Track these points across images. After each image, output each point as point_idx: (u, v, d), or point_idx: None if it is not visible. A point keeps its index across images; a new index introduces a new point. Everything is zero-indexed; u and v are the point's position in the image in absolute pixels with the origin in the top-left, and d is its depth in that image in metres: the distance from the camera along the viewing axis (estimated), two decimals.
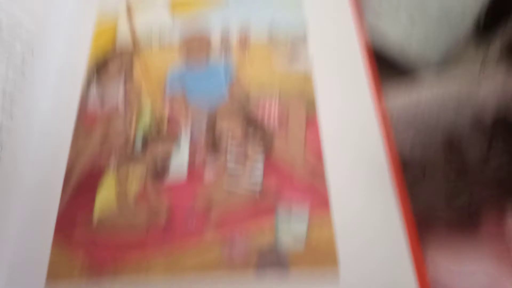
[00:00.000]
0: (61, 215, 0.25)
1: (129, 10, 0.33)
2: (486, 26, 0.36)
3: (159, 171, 0.26)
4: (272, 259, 0.22)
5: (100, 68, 0.30)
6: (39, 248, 0.24)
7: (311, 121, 0.27)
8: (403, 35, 0.32)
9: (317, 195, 0.24)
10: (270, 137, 0.26)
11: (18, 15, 0.28)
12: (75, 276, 0.23)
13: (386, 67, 0.33)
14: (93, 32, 0.32)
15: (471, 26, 0.35)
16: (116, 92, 0.29)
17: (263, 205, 0.24)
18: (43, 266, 0.23)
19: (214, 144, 0.26)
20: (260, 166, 0.25)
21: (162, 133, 0.27)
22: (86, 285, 0.23)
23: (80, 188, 0.26)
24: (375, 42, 0.32)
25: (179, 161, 0.26)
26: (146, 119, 0.28)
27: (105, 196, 0.25)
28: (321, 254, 0.22)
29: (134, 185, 0.25)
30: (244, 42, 0.30)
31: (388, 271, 0.22)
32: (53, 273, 0.23)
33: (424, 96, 0.28)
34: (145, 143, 0.27)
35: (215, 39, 0.31)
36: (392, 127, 0.27)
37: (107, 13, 0.33)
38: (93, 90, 0.29)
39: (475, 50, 0.36)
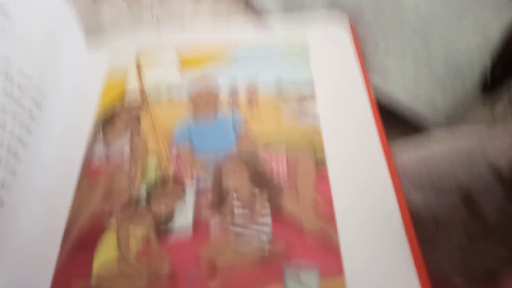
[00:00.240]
0: (58, 275, 0.23)
1: (138, 66, 0.33)
2: (494, 81, 0.36)
3: (163, 228, 0.25)
4: None
5: (107, 123, 0.30)
6: None
7: (320, 175, 0.26)
8: (410, 90, 0.32)
9: (328, 255, 0.22)
10: (279, 192, 0.25)
11: (29, 72, 0.28)
12: None
13: (395, 122, 0.32)
14: (102, 87, 0.32)
15: (479, 81, 0.34)
16: (122, 146, 0.29)
17: (272, 266, 0.22)
18: None
19: (220, 199, 0.25)
20: (268, 222, 0.24)
21: (167, 187, 0.26)
22: None
23: (79, 245, 0.24)
24: (383, 98, 0.32)
25: (184, 217, 0.25)
26: (151, 173, 0.27)
27: (105, 254, 0.24)
28: None
29: (135, 243, 0.24)
30: (252, 97, 0.30)
31: None
32: None
33: (436, 151, 0.27)
34: (149, 198, 0.26)
35: (223, 93, 0.31)
36: (404, 182, 0.25)
37: (117, 68, 0.34)
38: (99, 145, 0.29)
39: (483, 105, 0.35)
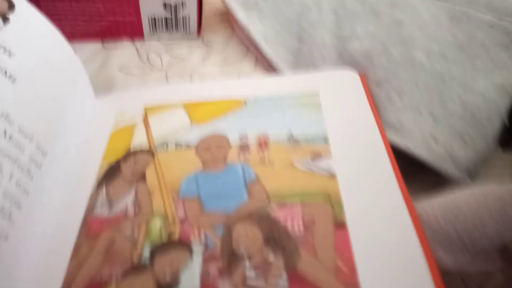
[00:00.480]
0: None
1: (145, 120, 0.32)
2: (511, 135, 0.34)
3: (168, 286, 0.22)
4: None
5: (112, 170, 0.29)
6: None
7: (339, 226, 0.23)
8: (429, 146, 0.30)
9: None
10: (295, 251, 0.23)
11: (29, 128, 0.27)
12: None
13: (416, 173, 0.30)
14: (108, 140, 0.31)
15: (498, 132, 0.33)
16: (125, 203, 0.27)
17: None
18: None
19: (231, 265, 0.23)
20: (284, 278, 0.21)
21: (173, 240, 0.24)
22: None
23: None
24: (400, 144, 0.30)
25: (191, 274, 0.23)
26: (156, 231, 0.25)
27: None
28: None
29: None
30: (263, 143, 0.29)
31: None
32: None
33: (462, 205, 0.25)
34: (154, 252, 0.24)
35: (233, 147, 0.29)
36: (430, 237, 0.23)
37: (124, 120, 0.32)
38: (103, 193, 0.27)
39: (502, 162, 0.34)
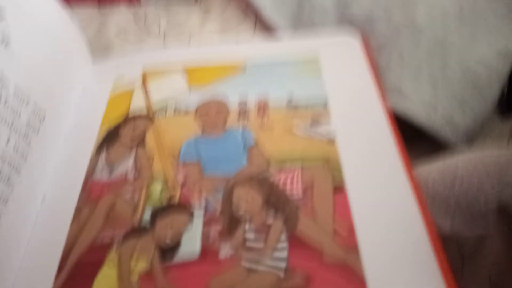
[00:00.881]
0: None
1: (144, 83, 0.32)
2: (510, 100, 0.34)
3: (169, 248, 0.23)
4: None
5: (111, 135, 0.29)
6: None
7: (338, 190, 0.24)
8: (428, 109, 0.30)
9: (351, 276, 0.20)
10: (295, 213, 0.23)
11: (26, 89, 0.27)
12: None
13: (415, 138, 0.30)
14: (107, 104, 0.31)
15: (497, 97, 0.33)
16: (126, 166, 0.27)
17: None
18: None
19: (231, 227, 0.23)
20: (284, 257, 0.22)
21: (174, 204, 0.24)
22: None
23: (79, 267, 0.22)
24: (399, 109, 0.30)
25: (192, 236, 0.23)
26: (157, 187, 0.25)
27: (106, 277, 0.22)
28: None
29: (139, 264, 0.22)
30: (262, 108, 0.29)
31: None
32: None
33: (460, 166, 0.25)
34: (155, 214, 0.24)
35: (232, 105, 0.29)
36: (429, 205, 0.23)
37: (122, 85, 0.32)
38: (103, 158, 0.27)
39: (500, 126, 0.34)
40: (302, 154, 0.26)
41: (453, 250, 0.30)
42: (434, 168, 0.26)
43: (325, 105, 0.28)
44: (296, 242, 0.22)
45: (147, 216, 0.24)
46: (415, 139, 0.29)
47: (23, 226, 0.24)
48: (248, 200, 0.24)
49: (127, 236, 0.23)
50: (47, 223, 0.25)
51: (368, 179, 0.24)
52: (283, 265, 0.21)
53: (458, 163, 0.25)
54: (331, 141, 0.26)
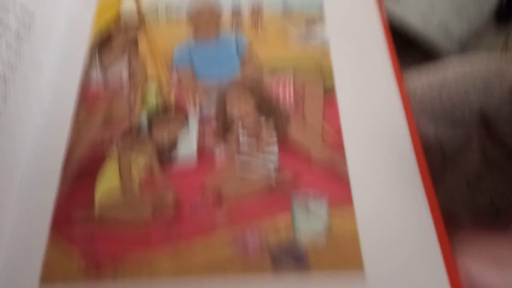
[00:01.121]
0: (58, 208, 0.22)
1: None
2: (509, 7, 0.33)
3: (166, 156, 0.24)
4: (290, 257, 0.20)
5: (102, 47, 0.28)
6: (33, 246, 0.21)
7: (329, 100, 0.24)
8: (424, 15, 0.30)
9: (337, 184, 0.22)
10: (286, 120, 0.24)
11: None
12: (71, 278, 0.21)
13: (408, 49, 0.30)
14: (96, 8, 0.30)
15: (494, 8, 0.32)
16: (119, 70, 0.27)
17: (279, 195, 0.22)
18: (36, 267, 0.21)
19: (225, 127, 0.24)
20: (275, 151, 0.23)
21: (169, 113, 0.25)
22: (82, 285, 0.21)
23: (79, 175, 0.23)
24: (394, 22, 0.30)
25: (187, 146, 0.24)
26: (151, 98, 0.26)
27: (107, 183, 0.23)
28: (344, 251, 0.20)
29: (138, 172, 0.23)
30: (256, 16, 0.28)
31: (417, 266, 0.20)
32: (47, 275, 0.21)
33: (450, 76, 0.25)
34: (151, 124, 0.25)
35: (226, 12, 0.28)
36: (415, 111, 0.24)
37: None
38: (96, 69, 0.27)
39: (496, 33, 0.33)
40: (295, 61, 0.26)
41: (436, 156, 0.32)
42: (424, 78, 0.26)
43: (320, 10, 0.28)
44: (285, 146, 0.23)
45: (144, 119, 0.25)
46: (408, 49, 0.29)
47: (24, 126, 0.25)
48: (240, 104, 0.25)
49: (125, 134, 0.24)
50: (48, 120, 0.25)
51: (358, 85, 0.25)
52: (274, 158, 0.23)
53: (447, 74, 0.25)
54: (324, 48, 0.26)
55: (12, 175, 0.24)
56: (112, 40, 0.28)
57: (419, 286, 0.19)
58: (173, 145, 0.24)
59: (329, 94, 0.24)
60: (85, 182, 0.23)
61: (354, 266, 0.19)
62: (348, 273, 0.19)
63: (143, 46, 0.28)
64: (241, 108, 0.24)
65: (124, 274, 0.20)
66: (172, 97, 0.25)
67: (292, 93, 0.25)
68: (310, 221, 0.21)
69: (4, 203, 0.22)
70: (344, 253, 0.20)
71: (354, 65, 0.25)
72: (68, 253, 0.21)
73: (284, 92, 0.25)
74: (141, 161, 0.23)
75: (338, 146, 0.23)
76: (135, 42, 0.28)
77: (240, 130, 0.24)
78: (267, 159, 0.23)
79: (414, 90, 0.25)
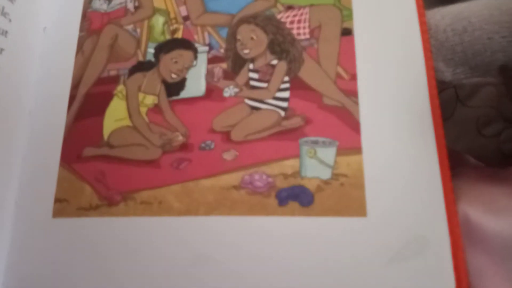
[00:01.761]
0: (67, 144, 0.23)
1: None
2: None
3: (174, 84, 0.23)
4: (296, 200, 0.21)
5: None
6: (44, 181, 0.22)
7: (346, 32, 0.23)
8: None
9: (347, 132, 0.21)
10: (299, 61, 0.23)
11: None
12: (83, 213, 0.22)
13: None
14: None
15: None
16: (124, 2, 0.25)
17: (287, 141, 0.22)
18: (49, 202, 0.22)
19: (235, 68, 0.23)
20: (286, 97, 0.22)
21: (177, 38, 0.24)
22: (93, 219, 0.22)
23: (89, 98, 0.23)
24: None
25: (196, 72, 0.23)
26: (159, 20, 0.24)
27: (115, 123, 0.23)
28: (349, 198, 0.20)
29: (146, 99, 0.23)
30: None
31: (418, 214, 0.20)
32: (60, 209, 0.22)
33: (473, 19, 0.24)
34: (159, 49, 0.24)
35: None
36: (435, 55, 0.23)
37: None
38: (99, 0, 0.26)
39: None
40: None
41: (450, 93, 0.31)
42: (448, 12, 0.24)
43: None
44: (297, 83, 0.22)
45: (151, 50, 0.24)
46: None
47: (28, 58, 0.24)
48: (253, 38, 0.23)
49: (133, 70, 0.24)
50: (51, 54, 0.25)
51: (377, 23, 0.23)
52: (284, 104, 0.22)
53: (472, 17, 0.24)
54: None
55: (19, 112, 0.23)
56: None
57: (419, 231, 0.20)
58: (181, 84, 0.23)
59: (346, 30, 0.23)
60: (92, 119, 0.23)
61: (358, 213, 0.20)
62: (352, 219, 0.20)
63: None
64: (254, 45, 0.23)
65: (134, 210, 0.21)
66: (180, 34, 0.24)
67: (308, 28, 0.23)
68: (317, 168, 0.21)
69: (13, 140, 0.23)
70: (349, 200, 0.20)
71: (375, 5, 0.24)
72: (80, 188, 0.22)
73: (300, 26, 0.24)
74: (149, 100, 0.23)
75: (351, 92, 0.22)
76: None
77: (251, 74, 0.23)
78: (278, 97, 0.22)
79: (435, 31, 0.24)
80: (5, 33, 0.23)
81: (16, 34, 0.23)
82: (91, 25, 0.25)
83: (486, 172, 0.25)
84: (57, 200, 0.22)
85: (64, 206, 0.22)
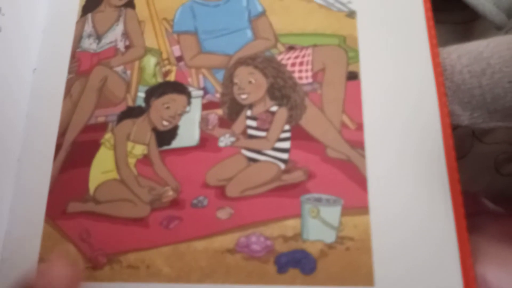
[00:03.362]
0: (52, 198, 0.21)
1: None
2: None
3: (166, 132, 0.21)
4: (297, 267, 0.19)
5: (94, 10, 0.24)
6: (29, 238, 0.21)
7: (352, 76, 0.21)
8: None
9: (353, 186, 0.19)
10: (302, 96, 0.21)
11: None
12: None
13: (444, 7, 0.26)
14: None
15: None
16: (114, 24, 0.24)
17: (288, 198, 0.20)
18: (33, 260, 0.20)
19: (232, 99, 0.21)
20: (287, 148, 0.20)
21: (170, 81, 0.22)
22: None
23: (76, 146, 0.22)
24: None
25: (190, 119, 0.22)
26: (150, 61, 0.23)
27: (104, 157, 0.21)
28: (354, 264, 0.18)
29: (135, 149, 0.21)
30: None
31: (433, 279, 0.18)
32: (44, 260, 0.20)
33: (493, 60, 0.22)
34: (150, 93, 0.22)
35: None
36: (451, 94, 0.21)
37: None
38: (89, 22, 0.24)
39: None
40: (316, 28, 0.22)
41: (465, 129, 0.29)
42: (464, 53, 0.22)
43: None
44: (299, 133, 0.21)
45: (141, 94, 0.22)
46: (448, 10, 0.25)
47: (17, 102, 0.23)
48: (251, 81, 0.22)
49: (122, 116, 0.22)
50: (40, 98, 0.23)
51: (386, 66, 0.21)
52: (285, 156, 0.20)
53: (492, 48, 0.22)
54: (351, 14, 0.22)
55: (7, 160, 0.22)
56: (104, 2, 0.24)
57: None
58: (173, 132, 0.21)
59: (352, 74, 0.21)
60: (78, 171, 0.21)
61: (364, 282, 0.18)
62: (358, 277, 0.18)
63: (140, 5, 0.24)
64: (252, 89, 0.21)
65: (120, 275, 0.19)
66: (173, 76, 0.22)
67: (310, 71, 0.22)
68: (320, 230, 0.19)
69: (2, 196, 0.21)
70: (355, 267, 0.18)
71: (384, 37, 0.22)
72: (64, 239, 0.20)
73: (300, 70, 0.22)
74: (138, 151, 0.21)
75: (357, 143, 0.20)
76: (131, 5, 0.24)
77: (249, 122, 0.21)
78: (277, 157, 0.21)
79: (451, 72, 0.22)
80: None
81: (5, 76, 0.22)
82: (80, 66, 0.23)
83: (506, 223, 0.24)
84: (41, 260, 0.20)
85: None
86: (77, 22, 0.24)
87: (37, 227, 0.21)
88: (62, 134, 0.22)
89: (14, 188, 0.22)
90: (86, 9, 0.24)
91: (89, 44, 0.24)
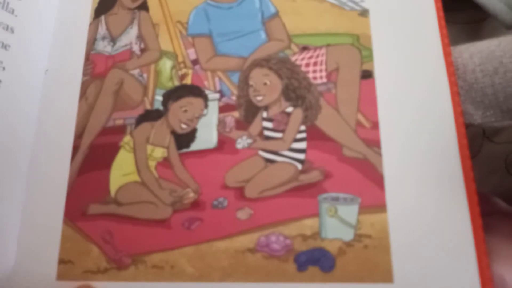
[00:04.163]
0: (71, 201, 0.22)
1: None
2: None
3: (184, 135, 0.22)
4: (316, 265, 0.19)
5: (108, 13, 0.25)
6: (47, 241, 0.21)
7: (366, 75, 0.21)
8: None
9: (370, 185, 0.20)
10: (317, 96, 0.21)
11: None
12: (90, 276, 0.20)
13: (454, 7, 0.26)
14: None
15: None
16: (128, 26, 0.24)
17: (306, 198, 0.20)
18: (52, 263, 0.21)
19: (248, 101, 0.22)
20: (303, 148, 0.21)
21: (187, 84, 0.23)
22: (102, 283, 0.20)
23: (94, 149, 0.22)
24: None
25: (207, 122, 0.22)
26: (166, 64, 0.23)
27: (124, 160, 0.22)
28: (373, 261, 0.19)
29: (155, 152, 0.22)
30: None
31: (450, 275, 0.18)
32: (64, 271, 0.21)
33: (506, 59, 0.22)
34: (167, 96, 0.23)
35: None
36: (463, 93, 0.21)
37: None
38: (102, 24, 0.24)
39: None
40: (329, 28, 0.22)
41: (475, 128, 0.29)
42: (476, 52, 0.23)
43: None
44: (315, 133, 0.21)
45: (159, 97, 0.23)
46: (458, 9, 0.25)
47: (28, 104, 0.23)
48: (266, 83, 0.22)
49: (140, 119, 0.22)
50: (53, 100, 0.23)
51: (400, 64, 0.21)
52: (301, 156, 0.21)
53: (505, 48, 0.22)
54: (364, 12, 0.22)
55: (19, 164, 0.22)
56: (117, 5, 0.24)
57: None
58: (192, 135, 0.22)
59: (366, 72, 0.21)
60: (97, 173, 0.22)
61: (383, 279, 0.19)
62: (377, 286, 0.19)
63: (154, 7, 0.24)
64: (267, 91, 0.22)
65: (145, 275, 0.20)
66: (189, 80, 0.23)
67: (325, 71, 0.22)
68: (338, 228, 0.19)
69: (12, 194, 0.22)
70: (374, 264, 0.19)
71: (398, 35, 0.22)
72: (86, 249, 0.21)
73: (316, 69, 0.22)
74: (158, 153, 0.22)
75: (373, 142, 0.20)
76: (144, 7, 0.24)
77: (265, 123, 0.21)
78: (295, 148, 0.21)
79: (464, 71, 0.22)
80: (2, 68, 0.22)
81: (13, 77, 0.22)
82: (95, 69, 0.23)
83: None
84: (61, 261, 0.21)
85: (69, 267, 0.21)
86: (90, 25, 0.24)
87: (55, 229, 0.21)
88: (78, 136, 0.22)
89: (26, 190, 0.22)
90: (99, 12, 0.25)
91: (104, 46, 0.24)
